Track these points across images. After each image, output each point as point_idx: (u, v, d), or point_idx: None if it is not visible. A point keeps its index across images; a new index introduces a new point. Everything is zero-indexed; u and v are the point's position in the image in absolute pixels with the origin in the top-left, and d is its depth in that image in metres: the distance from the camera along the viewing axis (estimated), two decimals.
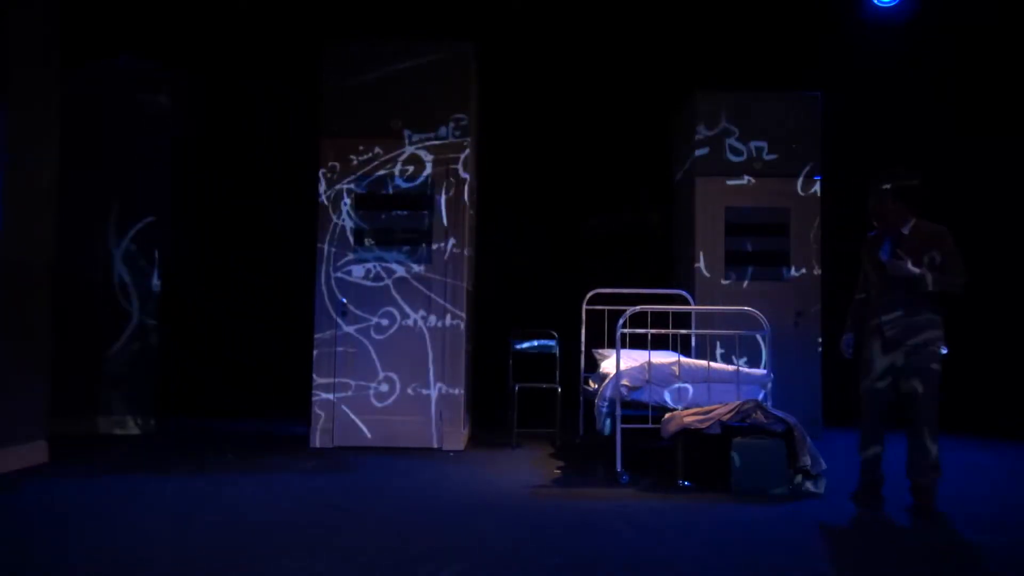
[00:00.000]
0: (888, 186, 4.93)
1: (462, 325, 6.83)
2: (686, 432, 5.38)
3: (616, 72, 8.64)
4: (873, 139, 8.30)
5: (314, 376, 6.75)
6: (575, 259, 8.93)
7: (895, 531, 4.52)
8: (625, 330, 5.86)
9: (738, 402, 5.47)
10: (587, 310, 7.47)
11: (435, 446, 6.72)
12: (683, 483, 5.41)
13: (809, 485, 5.24)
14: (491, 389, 8.02)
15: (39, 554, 3.79)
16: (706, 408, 5.53)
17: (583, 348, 7.41)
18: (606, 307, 7.27)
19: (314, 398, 6.72)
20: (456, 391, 6.77)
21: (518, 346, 7.61)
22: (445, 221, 6.85)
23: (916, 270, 4.79)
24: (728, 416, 5.34)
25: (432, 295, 6.80)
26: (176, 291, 8.55)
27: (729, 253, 7.90)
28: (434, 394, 6.75)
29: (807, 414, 6.88)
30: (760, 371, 5.91)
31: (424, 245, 6.85)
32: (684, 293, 7.69)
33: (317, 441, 6.70)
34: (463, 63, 7.05)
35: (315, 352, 6.78)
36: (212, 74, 8.60)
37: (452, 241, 6.84)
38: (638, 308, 6.13)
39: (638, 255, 8.95)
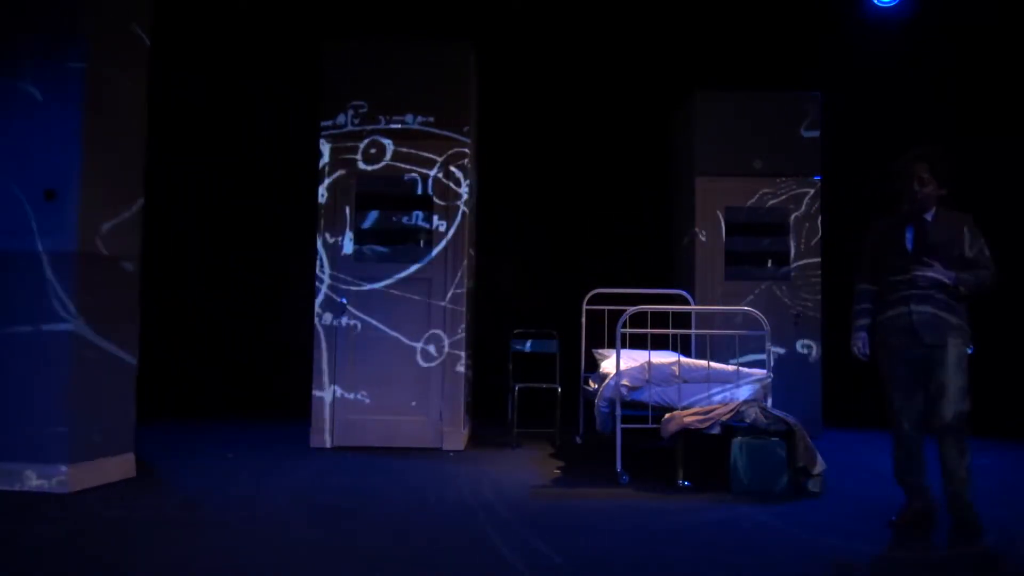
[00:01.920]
0: (925, 164, 4.44)
1: (462, 326, 6.83)
2: (686, 432, 5.38)
3: (616, 72, 8.64)
4: (873, 139, 8.29)
5: (313, 376, 6.74)
6: (575, 259, 8.93)
7: (896, 531, 4.51)
8: (625, 330, 5.86)
9: (738, 402, 5.47)
10: (587, 310, 7.47)
11: (435, 446, 6.72)
12: (683, 483, 5.41)
13: (809, 485, 5.23)
14: (491, 389, 8.01)
15: None
16: (706, 408, 5.53)
17: (583, 348, 7.40)
18: (606, 307, 7.27)
19: (313, 398, 6.72)
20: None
21: (518, 346, 7.61)
22: (446, 220, 6.84)
23: (948, 277, 4.38)
24: (728, 416, 5.34)
25: (432, 291, 6.79)
26: (172, 291, 8.55)
27: (729, 253, 7.90)
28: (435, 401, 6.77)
29: (807, 414, 6.88)
30: (760, 371, 5.91)
31: (424, 245, 6.84)
32: (684, 293, 7.69)
33: (316, 441, 6.71)
34: (463, 63, 7.05)
35: (314, 352, 6.77)
36: (211, 73, 8.60)
37: (453, 241, 6.83)
38: (638, 308, 6.13)
39: (638, 255, 8.95)
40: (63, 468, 4.94)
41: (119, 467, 5.34)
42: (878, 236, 4.68)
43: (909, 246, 4.49)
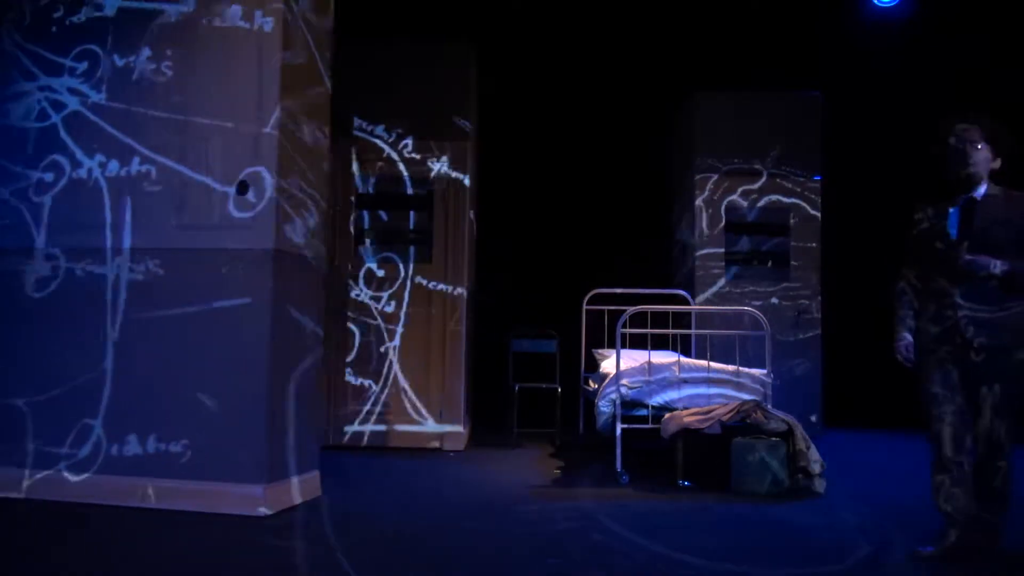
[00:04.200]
0: (978, 127, 3.82)
1: (462, 325, 6.84)
2: (686, 432, 5.38)
3: (617, 72, 8.63)
4: (873, 139, 8.29)
5: None
6: (575, 259, 8.93)
7: (898, 531, 4.51)
8: (625, 330, 5.86)
9: (738, 402, 5.47)
10: (587, 310, 7.47)
11: (435, 446, 6.72)
12: (683, 483, 5.41)
13: (809, 485, 5.23)
14: (491, 389, 8.02)
15: None
16: (706, 408, 5.53)
17: (583, 348, 7.41)
18: (606, 307, 7.26)
19: None
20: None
21: (518, 346, 7.60)
22: (446, 221, 6.85)
23: (1000, 268, 3.68)
24: (728, 416, 5.34)
25: (431, 290, 6.80)
26: None
27: (729, 253, 7.91)
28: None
29: (807, 414, 6.88)
30: (760, 371, 5.91)
31: (425, 245, 6.85)
32: (684, 293, 7.69)
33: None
34: (464, 63, 7.05)
35: None
36: None
37: (453, 241, 6.84)
38: (638, 308, 6.13)
39: (638, 255, 8.95)
40: (259, 488, 4.40)
41: (311, 485, 4.85)
42: (921, 223, 3.96)
43: (953, 232, 3.79)
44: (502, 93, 8.32)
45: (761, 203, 7.91)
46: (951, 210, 3.85)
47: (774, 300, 7.81)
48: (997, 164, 3.85)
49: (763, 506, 4.93)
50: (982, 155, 3.80)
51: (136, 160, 4.66)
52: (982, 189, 3.83)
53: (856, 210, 8.17)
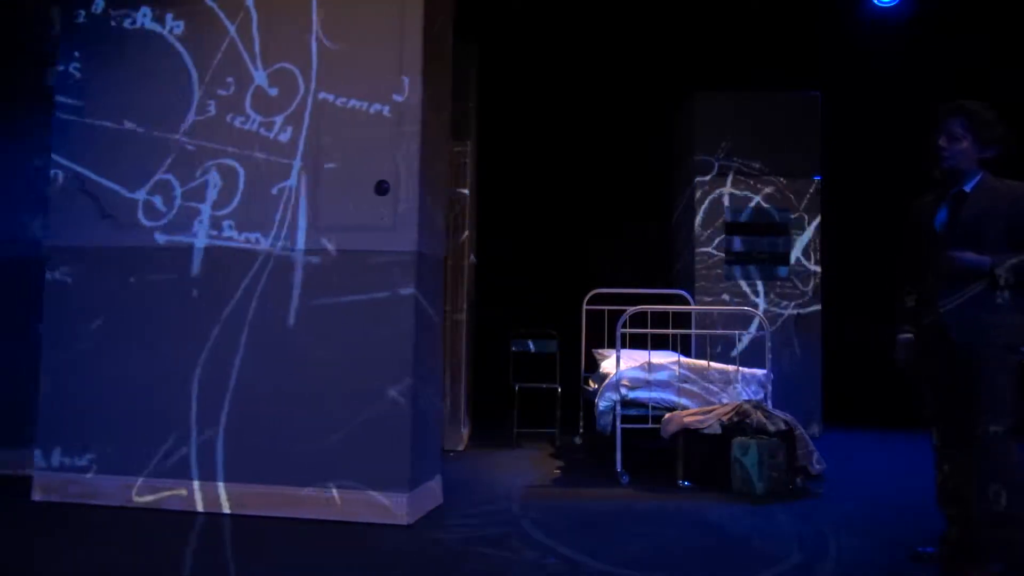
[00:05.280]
0: (961, 118, 3.64)
1: (463, 325, 6.83)
2: (686, 432, 5.38)
3: (616, 72, 8.64)
4: (873, 139, 8.29)
5: None
6: (575, 259, 8.93)
7: (898, 531, 4.51)
8: (625, 330, 5.86)
9: (738, 402, 5.47)
10: (587, 310, 7.47)
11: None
12: (683, 483, 5.41)
13: (808, 485, 5.24)
14: (491, 389, 8.01)
15: None
16: (706, 408, 5.53)
17: (583, 348, 7.40)
18: (606, 307, 7.26)
19: None
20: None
21: (518, 346, 7.60)
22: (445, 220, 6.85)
23: (983, 262, 3.53)
24: (728, 416, 5.34)
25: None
26: None
27: (729, 253, 7.91)
28: None
29: (807, 414, 6.88)
30: (760, 371, 5.91)
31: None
32: (684, 293, 7.70)
33: None
34: (464, 63, 7.04)
35: None
36: None
37: (452, 241, 6.84)
38: (638, 308, 6.14)
39: (638, 255, 8.95)
40: (403, 496, 4.27)
41: (434, 493, 4.73)
42: (912, 218, 3.86)
43: (938, 226, 3.69)
44: (502, 93, 8.31)
45: (760, 203, 7.90)
46: (941, 205, 3.73)
47: (773, 299, 7.80)
48: (988, 154, 3.67)
49: (759, 507, 4.93)
50: (962, 147, 3.64)
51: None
52: (973, 181, 3.67)
53: (856, 210, 8.16)
